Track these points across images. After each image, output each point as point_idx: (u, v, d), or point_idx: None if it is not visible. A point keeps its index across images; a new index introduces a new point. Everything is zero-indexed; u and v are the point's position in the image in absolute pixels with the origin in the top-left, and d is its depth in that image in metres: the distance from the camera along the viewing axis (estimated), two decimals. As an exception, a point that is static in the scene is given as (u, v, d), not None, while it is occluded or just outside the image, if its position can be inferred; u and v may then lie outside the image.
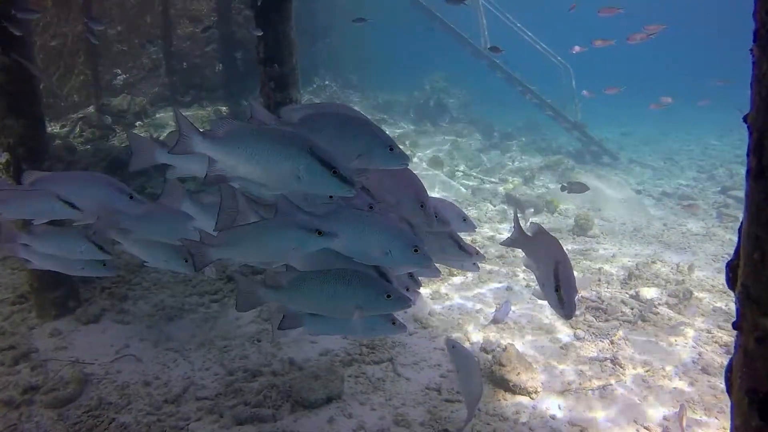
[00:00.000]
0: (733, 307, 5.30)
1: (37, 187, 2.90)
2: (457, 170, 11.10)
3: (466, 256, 2.92)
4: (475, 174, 11.13)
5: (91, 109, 10.91)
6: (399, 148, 2.45)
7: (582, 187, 8.06)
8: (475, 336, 4.84)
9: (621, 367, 4.30)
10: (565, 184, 8.24)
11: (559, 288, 2.32)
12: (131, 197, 2.96)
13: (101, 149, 9.83)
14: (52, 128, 10.48)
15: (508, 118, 18.09)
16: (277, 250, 2.39)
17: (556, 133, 16.39)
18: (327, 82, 14.15)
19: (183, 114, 2.36)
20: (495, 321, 5.06)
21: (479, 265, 3.24)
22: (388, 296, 2.32)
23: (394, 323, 2.54)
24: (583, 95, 13.47)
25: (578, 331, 4.90)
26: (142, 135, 3.14)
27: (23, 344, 4.51)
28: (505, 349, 4.27)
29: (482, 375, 4.22)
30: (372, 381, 4.12)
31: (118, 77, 11.43)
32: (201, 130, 2.28)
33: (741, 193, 8.02)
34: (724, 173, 12.93)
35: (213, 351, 4.46)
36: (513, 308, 5.26)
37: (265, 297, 2.45)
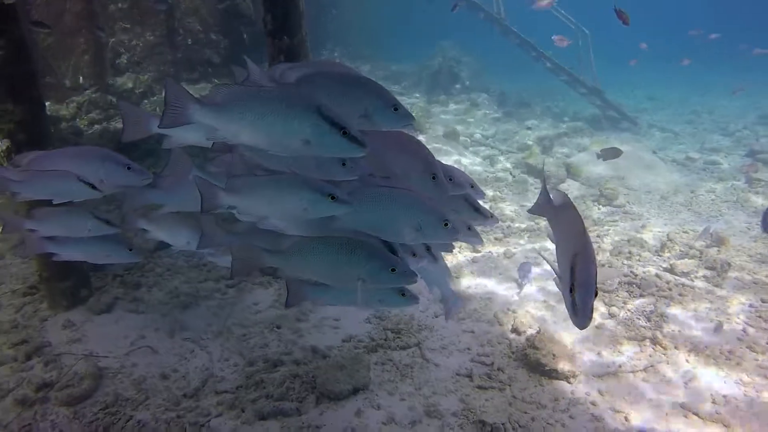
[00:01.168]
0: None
1: (39, 165, 2.85)
2: (473, 140, 10.77)
3: (484, 219, 2.83)
4: (491, 144, 10.81)
5: (96, 90, 10.67)
6: (404, 107, 2.34)
7: (616, 152, 7.87)
8: (505, 317, 4.61)
9: (662, 347, 4.07)
10: (599, 152, 8.03)
11: (574, 289, 1.92)
12: (129, 168, 2.86)
13: (108, 131, 9.61)
14: (57, 110, 10.26)
15: (521, 86, 17.64)
16: (287, 207, 2.29)
17: (571, 100, 15.95)
18: (336, 54, 13.77)
19: (175, 83, 2.18)
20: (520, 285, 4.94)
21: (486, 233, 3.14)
22: (393, 270, 2.25)
23: (403, 294, 2.45)
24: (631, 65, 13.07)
25: (612, 308, 4.66)
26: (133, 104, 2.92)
27: (36, 338, 4.35)
28: (538, 331, 4.04)
29: (515, 359, 4.03)
30: (399, 368, 3.92)
31: (122, 56, 11.15)
32: (197, 97, 2.14)
33: (771, 156, 7.66)
34: (749, 135, 12.50)
35: (231, 340, 4.27)
36: (542, 285, 5.02)
37: (262, 260, 2.39)
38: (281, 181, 2.28)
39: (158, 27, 11.31)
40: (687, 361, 3.96)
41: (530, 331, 4.30)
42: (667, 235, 6.05)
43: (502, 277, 5.36)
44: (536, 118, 13.66)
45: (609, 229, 6.56)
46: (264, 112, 2.07)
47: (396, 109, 2.31)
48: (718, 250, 5.63)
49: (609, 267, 5.29)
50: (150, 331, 4.41)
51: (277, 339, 4.28)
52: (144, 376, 3.87)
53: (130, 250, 3.22)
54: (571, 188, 8.53)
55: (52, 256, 3.24)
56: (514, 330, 4.37)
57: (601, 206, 7.54)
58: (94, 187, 2.85)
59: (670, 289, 4.86)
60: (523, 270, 5.00)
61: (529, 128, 12.43)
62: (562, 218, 2.35)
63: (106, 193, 2.92)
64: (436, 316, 4.58)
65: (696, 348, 4.09)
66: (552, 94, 16.82)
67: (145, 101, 10.84)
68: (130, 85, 10.93)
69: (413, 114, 2.48)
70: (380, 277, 2.26)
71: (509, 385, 3.73)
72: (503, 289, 5.11)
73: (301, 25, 5.26)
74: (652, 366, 3.86)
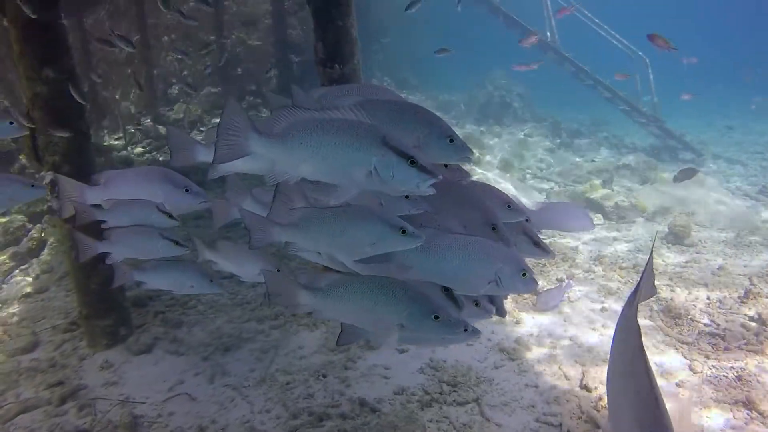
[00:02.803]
0: None
1: (113, 183, 2.93)
2: (529, 172, 10.36)
3: (544, 254, 2.65)
4: (547, 176, 10.37)
5: (148, 120, 10.77)
6: (460, 139, 2.18)
7: (693, 172, 7.71)
8: (572, 370, 4.17)
9: (760, 413, 3.55)
10: (677, 174, 7.93)
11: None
12: (187, 190, 2.88)
13: (157, 161, 9.63)
14: (110, 140, 10.37)
15: (573, 115, 17.15)
16: (352, 241, 2.13)
17: (626, 129, 15.37)
18: (386, 82, 13.64)
19: (236, 103, 2.00)
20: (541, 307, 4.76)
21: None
22: (436, 317, 2.09)
23: (465, 330, 2.23)
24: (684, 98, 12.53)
25: (694, 362, 4.16)
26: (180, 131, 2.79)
27: (72, 379, 4.16)
28: (614, 391, 3.59)
29: (586, 419, 3.59)
30: (456, 427, 3.53)
31: (174, 86, 11.26)
32: (255, 125, 1.98)
33: None
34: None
35: (274, 388, 3.96)
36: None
37: (300, 299, 2.22)
38: (346, 213, 2.12)
39: (209, 57, 11.40)
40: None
41: (603, 388, 3.85)
42: (750, 279, 5.50)
43: (566, 321, 4.92)
44: (593, 150, 13.15)
45: (682, 272, 6.03)
46: (326, 141, 1.92)
47: (452, 141, 2.14)
48: (811, 298, 5.05)
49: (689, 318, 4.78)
50: (189, 376, 4.16)
51: (323, 389, 3.95)
52: (181, 427, 3.59)
53: (211, 281, 3.18)
54: (636, 224, 8.01)
55: (139, 285, 3.24)
56: (584, 387, 3.92)
57: (670, 245, 6.99)
58: (171, 216, 2.89)
59: (761, 343, 4.32)
60: (556, 294, 4.75)
61: (587, 160, 11.92)
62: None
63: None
64: (496, 367, 4.17)
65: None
66: (607, 124, 16.27)
67: (194, 131, 10.89)
68: (180, 114, 11.02)
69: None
70: (421, 324, 2.11)
71: (582, 454, 3.29)
72: (568, 338, 4.67)
73: (354, 53, 5.04)
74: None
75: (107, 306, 4.49)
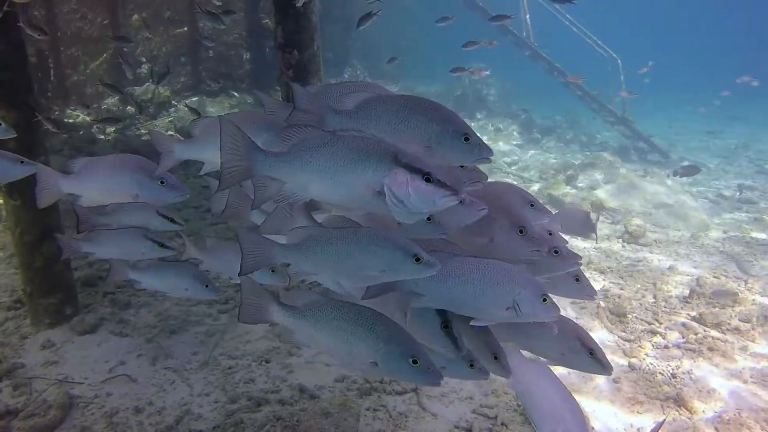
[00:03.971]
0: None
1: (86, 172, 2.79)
2: (495, 168, 10.43)
3: (584, 293, 2.45)
4: (514, 171, 10.45)
5: (115, 98, 10.59)
6: (477, 137, 1.96)
7: (694, 170, 7.84)
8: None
9: (688, 410, 3.65)
10: (678, 169, 8.06)
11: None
12: (163, 182, 2.71)
13: (122, 140, 9.49)
14: (75, 118, 10.19)
15: (548, 112, 17.26)
16: (359, 266, 1.93)
17: (598, 128, 15.54)
18: (359, 72, 13.58)
19: (236, 128, 1.85)
20: None
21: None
22: (414, 362, 1.86)
23: (472, 365, 2.10)
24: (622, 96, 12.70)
25: (633, 359, 4.25)
26: (164, 132, 2.72)
27: (11, 358, 4.09)
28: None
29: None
30: (393, 416, 3.57)
31: (143, 65, 11.09)
32: (258, 146, 1.86)
33: (811, 198, 7.16)
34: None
35: (216, 372, 3.95)
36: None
37: (271, 316, 2.10)
38: (355, 235, 1.94)
39: (180, 39, 11.24)
40: (716, 429, 3.53)
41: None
42: (697, 279, 5.62)
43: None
44: (562, 146, 13.27)
45: (633, 271, 6.13)
46: (334, 161, 1.78)
47: (467, 140, 1.93)
48: (753, 300, 5.18)
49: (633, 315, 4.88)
50: (132, 357, 4.12)
51: (265, 374, 3.96)
52: (117, 408, 3.57)
53: (207, 286, 3.06)
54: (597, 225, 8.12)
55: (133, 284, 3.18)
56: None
57: (626, 244, 7.10)
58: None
59: (699, 343, 4.43)
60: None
61: (553, 157, 12.04)
62: None
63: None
64: (440, 358, 4.21)
65: (721, 417, 3.65)
66: (580, 122, 16.40)
67: (164, 112, 10.75)
68: (148, 95, 10.86)
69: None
70: (397, 367, 1.90)
71: (513, 445, 3.35)
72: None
73: (314, 40, 5.01)
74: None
75: (52, 284, 4.42)
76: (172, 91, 10.81)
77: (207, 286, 3.08)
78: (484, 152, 1.96)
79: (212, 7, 8.13)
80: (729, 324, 4.69)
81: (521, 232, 2.17)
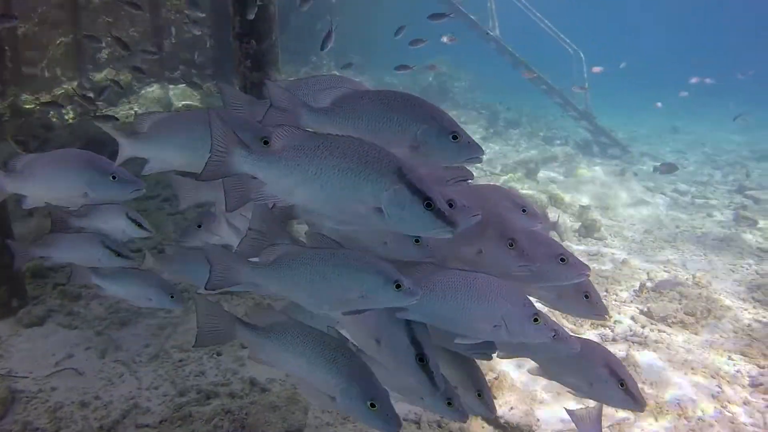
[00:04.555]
0: (756, 326, 4.74)
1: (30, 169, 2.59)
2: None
3: (595, 313, 2.26)
4: (476, 165, 10.51)
5: (73, 84, 10.33)
6: (466, 135, 1.84)
7: (672, 168, 8.41)
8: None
9: (630, 402, 3.74)
10: (657, 165, 8.62)
11: None
12: (114, 177, 2.49)
13: (80, 127, 9.26)
14: (30, 102, 9.90)
15: (513, 105, 17.41)
16: (336, 291, 1.79)
17: (563, 122, 15.75)
18: (324, 62, 13.49)
19: (220, 118, 1.73)
20: None
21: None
22: (372, 405, 1.77)
23: (450, 403, 1.99)
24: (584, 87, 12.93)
25: (582, 352, 4.34)
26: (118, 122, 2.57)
27: (-47, 351, 4.00)
28: (496, 377, 3.73)
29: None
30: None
31: (103, 50, 10.83)
32: (245, 144, 1.73)
33: (760, 194, 7.44)
34: (739, 171, 12.29)
35: (166, 365, 3.92)
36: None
37: (234, 335, 2.02)
38: (333, 257, 1.80)
39: (142, 23, 11.01)
40: (656, 420, 3.64)
41: (491, 375, 3.98)
42: (648, 274, 5.76)
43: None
44: (525, 140, 13.42)
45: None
46: (328, 166, 1.64)
47: (456, 138, 1.80)
48: (699, 294, 5.33)
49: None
50: (80, 350, 4.06)
51: (216, 367, 3.93)
52: (61, 402, 3.51)
53: (172, 296, 2.94)
54: (551, 216, 8.24)
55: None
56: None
57: (581, 238, 7.24)
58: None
59: (645, 336, 4.55)
60: None
61: (516, 150, 12.18)
62: None
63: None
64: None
65: (661, 407, 3.77)
66: (545, 116, 16.62)
67: (124, 99, 10.52)
68: (108, 81, 10.60)
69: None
70: (353, 408, 1.82)
71: (460, 436, 3.40)
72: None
73: (272, 30, 4.97)
74: (618, 425, 3.54)
75: (-2, 275, 4.33)
76: (133, 78, 10.58)
77: (172, 296, 2.96)
78: (474, 151, 1.84)
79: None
80: (675, 317, 4.82)
81: (511, 245, 2.02)
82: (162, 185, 6.82)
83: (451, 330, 1.93)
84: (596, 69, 12.97)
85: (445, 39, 9.77)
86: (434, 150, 1.81)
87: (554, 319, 2.39)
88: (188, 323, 4.43)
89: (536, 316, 1.85)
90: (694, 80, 14.61)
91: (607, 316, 2.35)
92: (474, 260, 2.07)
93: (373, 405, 1.76)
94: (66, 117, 9.40)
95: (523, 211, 2.31)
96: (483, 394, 2.09)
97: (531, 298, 2.10)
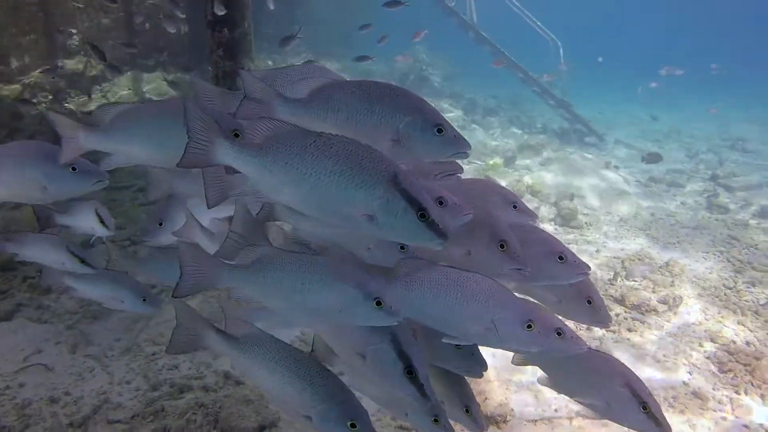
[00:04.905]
0: (725, 312, 4.81)
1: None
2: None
3: (598, 319, 2.18)
4: (454, 153, 10.50)
5: (42, 71, 10.08)
6: (452, 128, 1.76)
7: (657, 157, 8.90)
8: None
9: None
10: (644, 155, 9.11)
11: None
12: (74, 169, 2.33)
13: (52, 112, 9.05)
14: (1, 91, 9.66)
15: (492, 93, 17.43)
16: (313, 302, 1.72)
17: (541, 111, 15.81)
18: (302, 49, 13.35)
19: (196, 107, 1.62)
20: None
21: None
22: (353, 426, 1.69)
23: (436, 420, 1.93)
24: (561, 68, 13.01)
25: (556, 340, 4.37)
26: (62, 113, 2.39)
27: None
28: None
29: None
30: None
31: (74, 37, 10.58)
32: (226, 132, 1.64)
33: (732, 182, 7.55)
34: (713, 158, 12.46)
35: (138, 359, 3.87)
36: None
37: (207, 344, 1.93)
38: (313, 264, 1.72)
39: (115, 9, 10.77)
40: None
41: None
42: (622, 262, 5.82)
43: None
44: (503, 128, 13.44)
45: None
46: (319, 168, 1.55)
47: (441, 132, 1.72)
48: (672, 282, 5.40)
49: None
50: (50, 345, 3.98)
51: (189, 360, 3.89)
52: (30, 399, 3.44)
53: (144, 300, 2.90)
54: (529, 204, 8.28)
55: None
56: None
57: (557, 227, 7.29)
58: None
59: (618, 323, 4.60)
60: None
61: (494, 138, 12.19)
62: None
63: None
64: (368, 342, 4.24)
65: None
66: (523, 104, 16.65)
67: (97, 87, 10.31)
68: (80, 67, 10.38)
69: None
70: (332, 430, 1.73)
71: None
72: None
73: (245, 18, 4.89)
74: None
75: (-37, 269, 4.23)
76: (105, 65, 10.36)
77: (145, 299, 2.91)
78: (460, 145, 1.76)
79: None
80: (648, 305, 4.88)
81: (502, 246, 1.94)
82: (135, 175, 6.71)
83: (439, 329, 1.87)
84: (563, 66, 13.06)
85: (415, 38, 9.82)
86: (417, 144, 1.73)
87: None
88: (161, 316, 4.37)
89: (530, 323, 1.78)
90: (663, 71, 14.77)
91: (609, 324, 2.24)
92: (462, 262, 1.98)
93: (353, 425, 1.69)
94: (37, 106, 9.18)
95: (514, 207, 2.24)
96: (471, 409, 2.04)
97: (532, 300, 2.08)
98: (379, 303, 1.63)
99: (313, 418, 1.72)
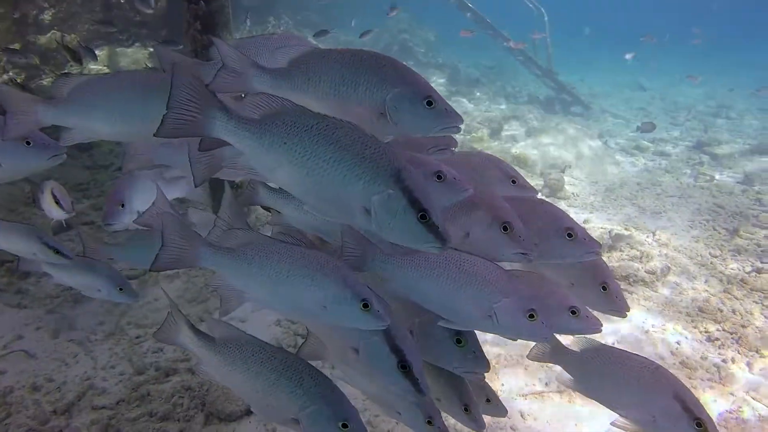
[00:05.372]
0: (712, 280, 4.81)
1: None
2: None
3: (615, 308, 2.05)
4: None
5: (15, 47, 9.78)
6: (442, 101, 1.63)
7: (651, 126, 9.29)
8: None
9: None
10: (639, 124, 9.56)
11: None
12: (29, 143, 2.19)
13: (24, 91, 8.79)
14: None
15: (476, 62, 17.26)
16: (297, 296, 1.62)
17: (525, 80, 15.69)
18: (283, 21, 13.07)
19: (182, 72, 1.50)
20: None
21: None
22: (345, 426, 1.63)
23: (430, 422, 1.87)
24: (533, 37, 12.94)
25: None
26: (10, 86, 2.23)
27: None
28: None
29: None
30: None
31: (46, 11, 10.24)
32: (220, 102, 1.53)
33: (717, 150, 7.53)
34: (697, 126, 12.46)
35: (122, 343, 3.80)
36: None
37: (181, 341, 1.86)
38: (301, 256, 1.62)
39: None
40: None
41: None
42: (609, 232, 5.81)
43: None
44: (488, 98, 13.33)
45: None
46: (318, 154, 1.45)
47: (431, 104, 1.59)
48: (660, 252, 5.40)
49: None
50: (30, 330, 3.90)
51: (174, 343, 3.83)
52: (11, 386, 3.37)
53: (121, 289, 2.81)
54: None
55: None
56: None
57: (544, 197, 7.25)
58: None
59: (606, 295, 4.59)
60: None
61: (479, 108, 12.08)
62: None
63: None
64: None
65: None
66: (507, 74, 16.51)
67: (70, 64, 10.02)
68: (54, 44, 10.07)
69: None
70: (320, 430, 1.66)
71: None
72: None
73: (222, -12, 4.71)
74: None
75: (-62, 255, 4.10)
76: (80, 40, 10.06)
77: (121, 288, 2.82)
78: (452, 119, 1.62)
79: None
80: (636, 276, 4.88)
81: (505, 229, 1.80)
82: (115, 154, 6.57)
83: (436, 311, 1.80)
84: (536, 36, 12.97)
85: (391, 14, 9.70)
86: (406, 117, 1.60)
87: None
88: (144, 297, 4.29)
89: (532, 312, 1.68)
90: (644, 39, 14.75)
91: (627, 313, 2.07)
92: (459, 244, 1.85)
93: (345, 425, 1.62)
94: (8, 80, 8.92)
95: (513, 182, 2.14)
96: (470, 408, 1.95)
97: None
98: (366, 306, 1.54)
99: (302, 420, 1.65)
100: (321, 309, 1.59)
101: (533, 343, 2.20)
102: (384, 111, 1.59)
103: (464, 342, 1.84)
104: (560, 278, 2.12)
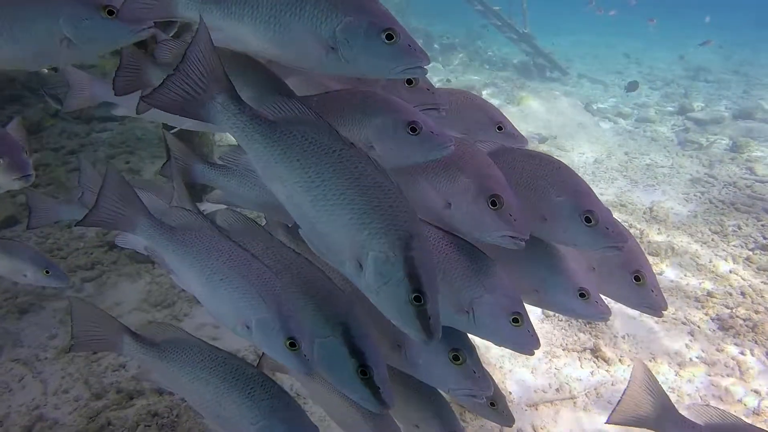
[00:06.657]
0: (717, 260, 4.53)
1: None
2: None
3: (648, 302, 1.69)
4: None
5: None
6: (406, 34, 1.34)
7: (635, 86, 9.70)
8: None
9: (606, 363, 3.45)
10: (627, 84, 9.81)
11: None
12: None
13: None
14: None
15: (447, 27, 16.74)
16: (221, 299, 1.41)
17: (500, 45, 15.24)
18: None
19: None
20: None
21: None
22: None
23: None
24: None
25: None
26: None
27: None
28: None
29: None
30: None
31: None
32: (235, 91, 1.30)
33: (701, 115, 7.23)
34: (677, 90, 12.20)
35: (77, 361, 3.33)
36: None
37: (119, 349, 1.66)
38: (241, 268, 1.40)
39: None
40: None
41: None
42: (604, 209, 5.48)
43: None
44: (461, 64, 12.85)
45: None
46: (332, 184, 1.24)
47: (390, 38, 1.31)
48: (659, 230, 5.09)
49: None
50: (-32, 349, 3.40)
51: (138, 357, 3.37)
52: (-59, 422, 2.90)
53: (48, 272, 2.63)
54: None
55: None
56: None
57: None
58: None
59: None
60: None
61: (455, 75, 11.62)
62: None
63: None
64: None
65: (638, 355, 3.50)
66: (480, 38, 16.03)
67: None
68: None
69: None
70: None
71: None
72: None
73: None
74: (595, 389, 3.24)
75: None
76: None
77: (48, 271, 2.60)
78: (416, 58, 1.34)
79: None
80: (638, 258, 4.55)
81: (494, 204, 1.46)
82: (67, 135, 5.99)
83: None
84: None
85: None
86: (360, 54, 1.33)
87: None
88: (102, 303, 3.82)
89: (516, 316, 1.43)
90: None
91: (663, 312, 1.70)
92: (439, 215, 1.55)
93: None
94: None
95: (499, 129, 1.86)
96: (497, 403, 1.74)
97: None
98: (293, 344, 1.30)
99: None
100: (243, 328, 1.37)
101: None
102: (334, 44, 1.32)
103: (462, 358, 1.55)
104: (579, 258, 1.73)
